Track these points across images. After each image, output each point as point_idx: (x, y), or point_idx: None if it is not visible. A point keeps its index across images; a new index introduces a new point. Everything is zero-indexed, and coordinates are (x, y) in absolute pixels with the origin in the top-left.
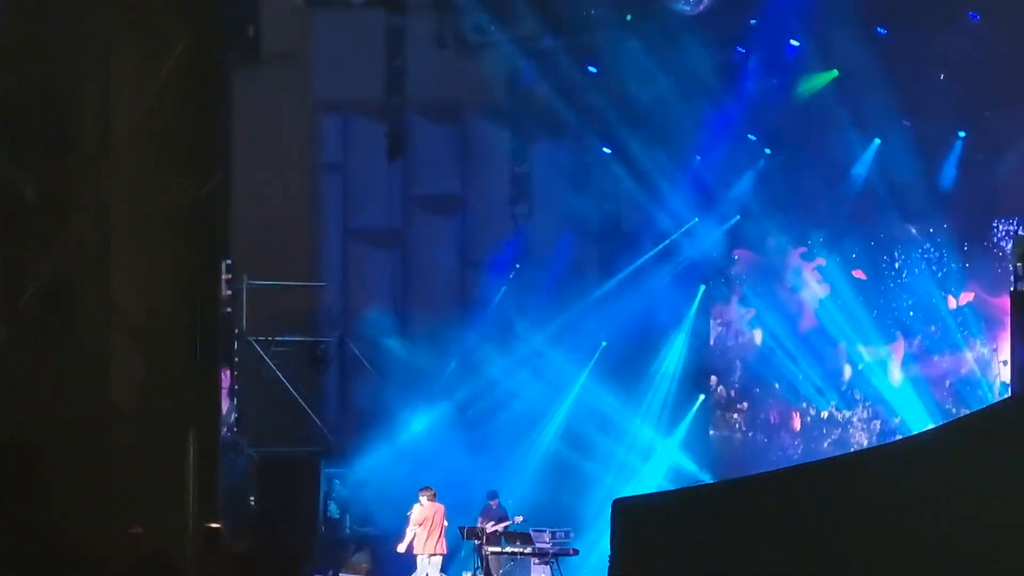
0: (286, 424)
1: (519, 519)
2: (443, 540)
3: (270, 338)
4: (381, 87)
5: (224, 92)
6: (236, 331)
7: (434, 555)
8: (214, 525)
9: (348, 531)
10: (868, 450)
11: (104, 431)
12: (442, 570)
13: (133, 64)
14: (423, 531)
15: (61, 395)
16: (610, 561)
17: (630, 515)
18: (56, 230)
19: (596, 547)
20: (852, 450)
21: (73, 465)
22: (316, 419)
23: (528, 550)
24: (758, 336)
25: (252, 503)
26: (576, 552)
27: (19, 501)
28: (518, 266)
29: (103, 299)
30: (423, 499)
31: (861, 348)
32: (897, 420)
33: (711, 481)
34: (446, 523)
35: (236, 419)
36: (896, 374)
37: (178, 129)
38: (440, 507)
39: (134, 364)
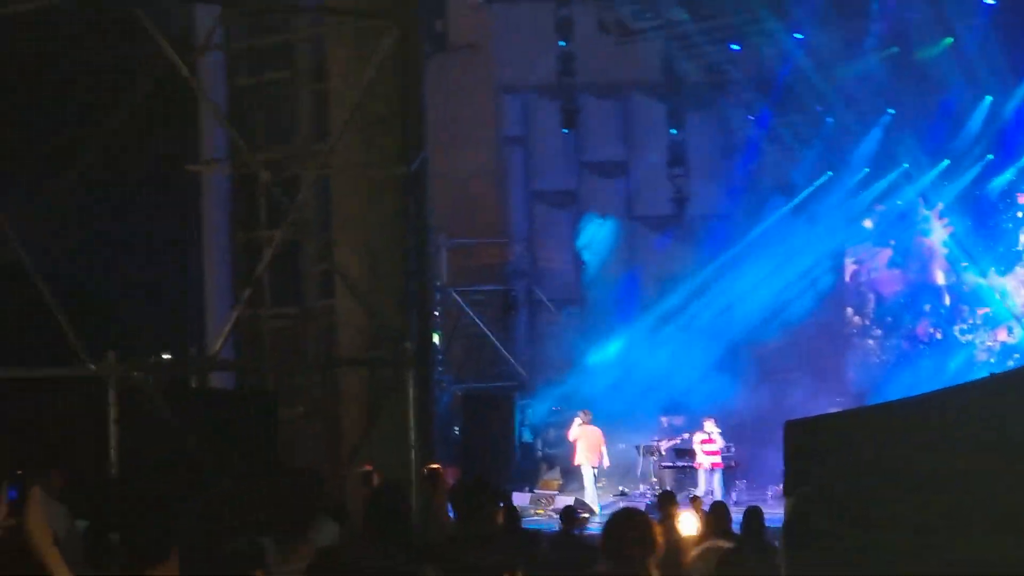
0: (484, 363)
1: (686, 436)
2: (596, 454)
3: (467, 288)
4: (554, 69)
5: (421, 81)
6: (438, 284)
7: (592, 466)
8: (434, 465)
9: (540, 453)
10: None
11: (332, 376)
12: (621, 484)
13: (345, 60)
14: (581, 445)
15: (296, 346)
16: (784, 479)
17: (801, 435)
18: (285, 205)
19: (757, 460)
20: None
21: (309, 407)
22: (510, 357)
23: (696, 464)
24: (891, 273)
25: (457, 433)
26: (738, 464)
27: (261, 442)
28: (678, 220)
29: (327, 262)
30: (578, 420)
31: (984, 279)
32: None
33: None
34: (604, 440)
35: (441, 360)
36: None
37: (385, 114)
38: (595, 428)
39: (356, 316)
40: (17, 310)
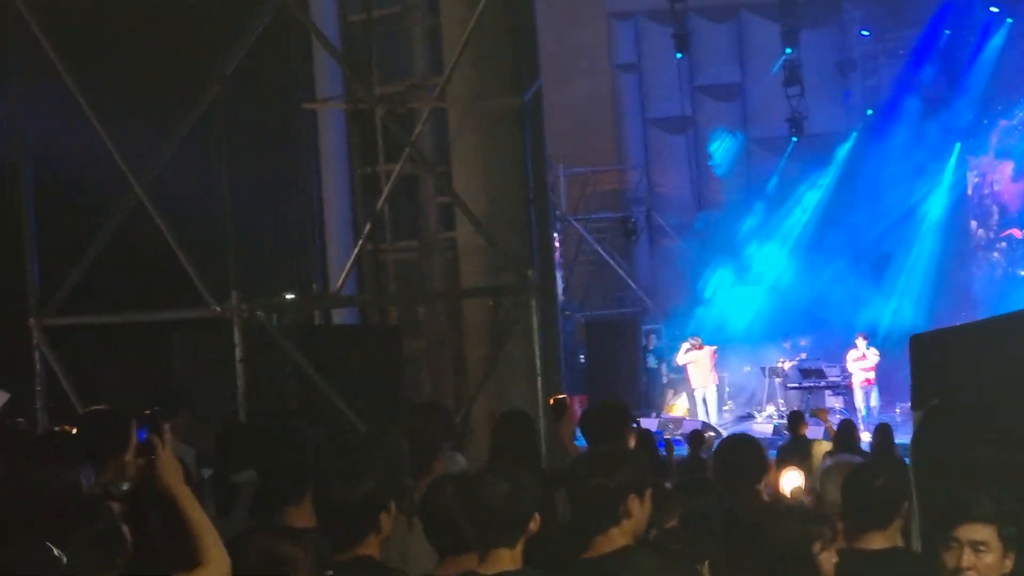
0: (606, 290)
1: (803, 356)
2: (707, 377)
3: (586, 216)
4: None
5: (532, 10)
6: (557, 212)
7: (704, 388)
8: (559, 396)
9: (666, 379)
10: None
11: (458, 306)
12: (748, 407)
13: None
14: (692, 369)
15: (418, 279)
16: (911, 394)
17: (927, 349)
18: (402, 139)
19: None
20: None
21: (433, 340)
22: (632, 283)
23: (822, 383)
24: (1015, 186)
25: (582, 360)
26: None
27: (387, 377)
28: (795, 140)
29: (447, 194)
30: (685, 346)
31: None
32: None
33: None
34: (714, 363)
35: (563, 288)
36: None
37: (498, 44)
38: (705, 351)
39: (477, 247)
40: (142, 253)
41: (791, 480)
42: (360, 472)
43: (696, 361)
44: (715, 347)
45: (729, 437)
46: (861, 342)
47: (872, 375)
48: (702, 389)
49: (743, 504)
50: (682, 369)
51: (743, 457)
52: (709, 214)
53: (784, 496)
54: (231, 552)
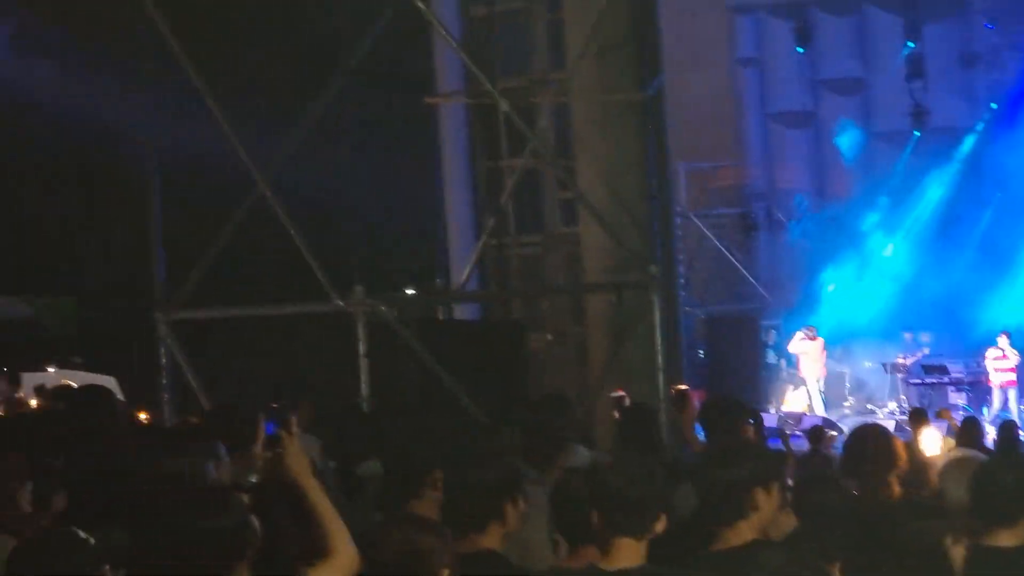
0: (726, 286)
1: (925, 351)
2: (818, 368)
3: (707, 212)
4: None
5: (655, 5)
6: (678, 208)
7: (815, 379)
8: (681, 387)
9: (785, 374)
10: None
11: (581, 300)
12: (869, 402)
13: None
14: (804, 360)
15: (540, 274)
16: None
17: None
18: (525, 134)
19: None
20: None
21: (556, 332)
22: (752, 279)
23: (945, 380)
24: None
25: (702, 356)
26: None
27: (510, 371)
28: (917, 134)
29: (570, 188)
30: (799, 336)
31: None
32: None
33: None
34: (824, 356)
35: (683, 284)
36: None
37: (621, 38)
38: (817, 343)
39: (600, 242)
40: (266, 248)
41: (931, 440)
42: (492, 459)
43: (807, 352)
44: (822, 340)
45: (860, 427)
46: (1003, 341)
47: (1013, 376)
48: (812, 380)
49: (874, 496)
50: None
51: (876, 447)
52: (830, 209)
53: (925, 462)
54: (363, 543)
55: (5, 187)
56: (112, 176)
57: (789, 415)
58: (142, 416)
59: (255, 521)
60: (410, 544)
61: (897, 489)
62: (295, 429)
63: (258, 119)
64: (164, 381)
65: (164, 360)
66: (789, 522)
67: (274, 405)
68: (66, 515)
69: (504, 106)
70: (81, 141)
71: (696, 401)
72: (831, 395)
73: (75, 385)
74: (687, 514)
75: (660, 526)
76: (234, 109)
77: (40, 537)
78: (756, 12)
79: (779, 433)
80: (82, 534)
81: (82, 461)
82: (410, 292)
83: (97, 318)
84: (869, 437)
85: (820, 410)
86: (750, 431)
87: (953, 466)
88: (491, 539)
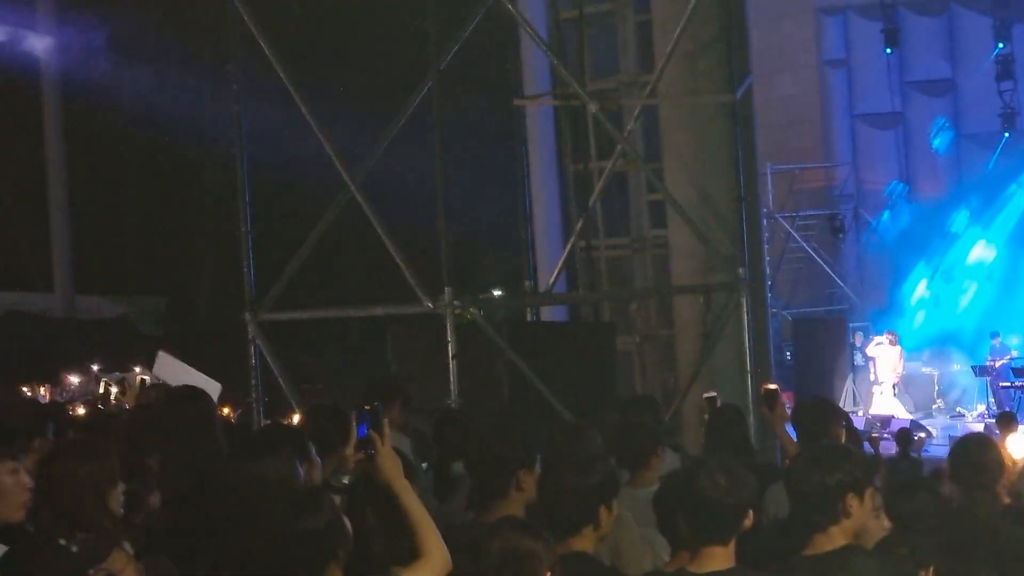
0: (813, 288)
1: (1014, 354)
2: (893, 373)
3: (793, 214)
4: None
5: (743, 6)
6: (765, 210)
7: (891, 384)
8: (771, 386)
9: (873, 376)
10: None
11: (668, 303)
12: (958, 406)
13: None
14: (880, 363)
15: (629, 273)
16: None
17: None
18: (614, 136)
19: None
20: None
21: (644, 334)
22: (839, 281)
23: None
24: None
25: (789, 358)
26: None
27: (599, 373)
28: (1007, 135)
29: (658, 191)
30: (876, 340)
31: None
32: None
33: None
34: (901, 360)
35: (770, 286)
36: None
37: (710, 40)
38: (895, 348)
39: (688, 244)
40: (356, 249)
41: (1019, 444)
42: (592, 462)
43: (884, 356)
44: (900, 348)
45: (967, 437)
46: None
47: None
48: (888, 384)
49: (983, 506)
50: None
51: (982, 458)
52: (920, 210)
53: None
54: (455, 544)
55: (97, 189)
56: (203, 177)
57: (877, 417)
58: (225, 411)
59: (346, 522)
60: (513, 548)
61: (1005, 499)
62: (387, 430)
63: (348, 121)
64: (254, 382)
65: (254, 361)
66: (882, 527)
67: (367, 406)
68: (160, 516)
69: (593, 108)
70: (172, 143)
71: (785, 402)
72: (920, 398)
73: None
74: (778, 515)
75: (747, 522)
76: (325, 111)
77: (26, 546)
78: (844, 13)
79: (868, 436)
80: (63, 542)
81: (177, 461)
82: (498, 294)
83: (186, 318)
84: (976, 447)
85: (900, 413)
86: (843, 434)
87: None
88: (584, 542)
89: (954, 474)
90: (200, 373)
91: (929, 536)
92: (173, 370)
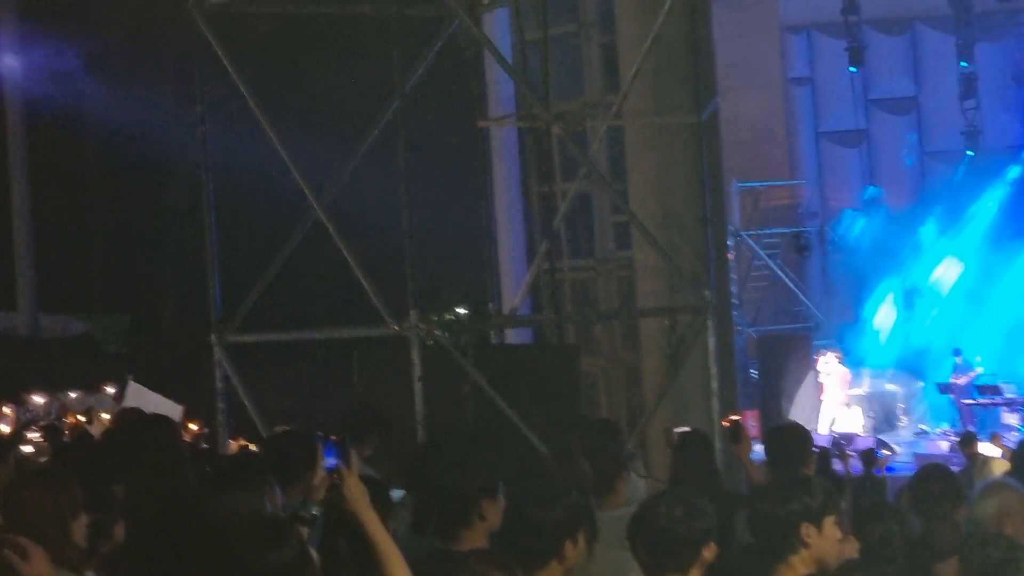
0: (778, 305)
1: (979, 371)
2: (838, 392)
3: (759, 231)
4: (838, 7)
5: (709, 27)
6: (730, 228)
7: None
8: (734, 417)
9: (821, 393)
10: None
11: (633, 324)
12: (922, 423)
13: (632, 9)
14: (827, 381)
15: (594, 295)
16: None
17: None
18: (578, 157)
19: None
20: None
21: (609, 356)
22: (805, 299)
23: (999, 400)
24: None
25: (754, 375)
26: None
27: (564, 395)
28: (970, 153)
29: (623, 212)
30: (823, 359)
31: None
32: None
33: None
34: (848, 380)
35: (735, 304)
36: None
37: (674, 61)
38: (841, 368)
39: (654, 265)
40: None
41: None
42: (556, 496)
43: (830, 374)
44: (847, 370)
45: (925, 468)
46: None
47: None
48: (832, 403)
49: (940, 536)
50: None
51: (941, 489)
52: (884, 227)
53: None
54: (420, 574)
55: (61, 206)
56: (167, 196)
57: (842, 435)
58: (192, 426)
59: (313, 554)
60: None
61: (962, 530)
62: (354, 461)
63: (314, 141)
64: (220, 404)
65: (219, 383)
66: (852, 548)
67: (334, 437)
68: (125, 546)
69: (557, 130)
70: (138, 161)
71: (749, 422)
72: (885, 414)
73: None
74: (747, 541)
75: (709, 555)
76: (290, 131)
77: None
78: (808, 31)
79: (839, 452)
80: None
81: (142, 490)
82: (462, 311)
83: (150, 338)
84: (934, 479)
85: (858, 429)
86: (812, 460)
87: (987, 490)
88: (551, 575)
89: (915, 505)
90: (166, 399)
91: (893, 563)
92: (142, 400)
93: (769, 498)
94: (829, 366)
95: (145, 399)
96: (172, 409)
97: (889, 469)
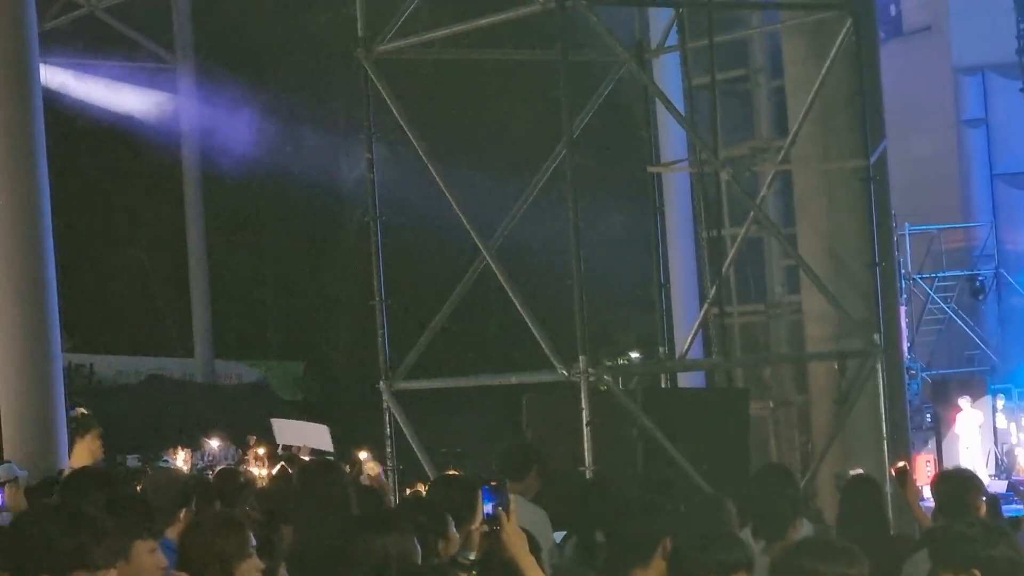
0: (953, 349)
1: None
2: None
3: (933, 274)
4: (1013, 47)
5: (877, 69)
6: (903, 271)
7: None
8: (901, 464)
9: (1014, 439)
10: None
11: (804, 368)
12: None
13: (801, 54)
14: (961, 423)
15: (763, 339)
16: None
17: None
18: (747, 202)
19: None
20: None
21: (779, 401)
22: (980, 342)
23: None
24: None
25: (928, 420)
26: None
27: (733, 440)
28: None
29: (791, 256)
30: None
31: None
32: None
33: None
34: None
35: (909, 347)
36: None
37: (843, 105)
38: (975, 411)
39: (822, 309)
40: (490, 314)
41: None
42: (723, 537)
43: (965, 417)
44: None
45: None
46: None
47: None
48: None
49: None
50: None
51: None
52: None
53: None
54: None
55: (236, 254)
56: (339, 244)
57: (1020, 481)
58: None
59: None
60: None
61: None
62: (513, 506)
63: (483, 187)
64: (389, 450)
65: (389, 429)
66: None
67: (492, 482)
68: None
69: (726, 175)
70: (308, 209)
71: (925, 465)
72: None
73: (300, 452)
74: None
75: None
76: (458, 177)
77: None
78: (982, 72)
79: (1016, 497)
80: None
81: (310, 532)
82: (634, 355)
83: (323, 383)
84: None
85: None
86: (982, 506)
87: None
88: None
89: None
90: (309, 423)
91: None
92: (291, 431)
93: (949, 543)
94: (965, 412)
95: (293, 429)
96: (320, 431)
97: None
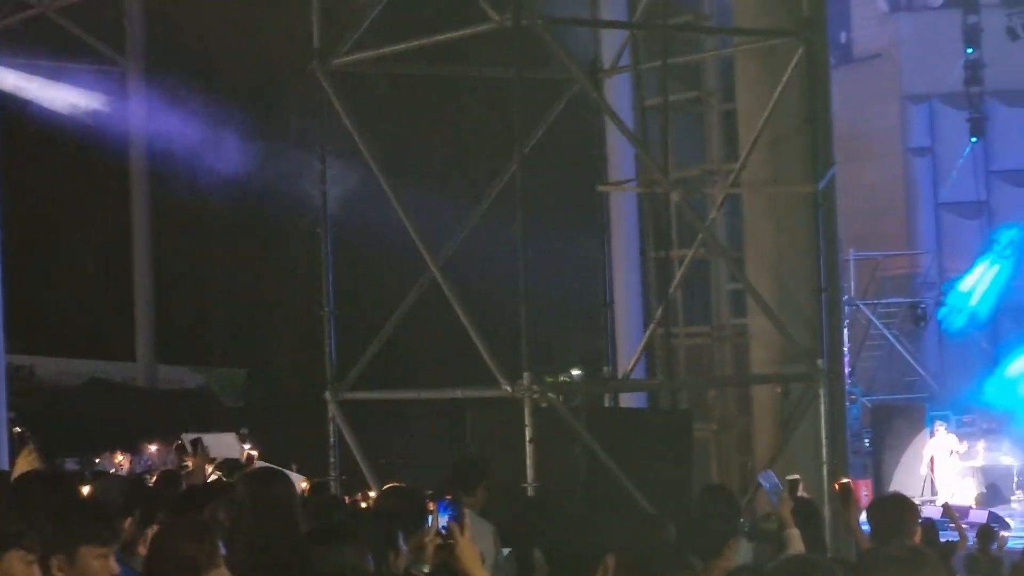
0: (893, 375)
1: None
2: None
3: (875, 300)
4: (961, 78)
5: (828, 96)
6: (846, 297)
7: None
8: (844, 480)
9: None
10: None
11: (747, 391)
12: None
13: (752, 78)
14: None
15: (708, 361)
16: None
17: None
18: (696, 224)
19: None
20: None
21: (722, 422)
22: (920, 369)
23: None
24: None
25: (867, 444)
26: None
27: (676, 460)
28: None
29: (738, 280)
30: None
31: None
32: None
33: None
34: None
35: (850, 372)
36: None
37: (793, 131)
38: (938, 439)
39: (767, 333)
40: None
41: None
42: (666, 555)
43: (928, 445)
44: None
45: None
46: None
47: None
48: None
49: None
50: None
51: None
52: (999, 301)
53: None
54: None
55: (181, 258)
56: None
57: (955, 508)
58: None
59: None
60: None
61: None
62: (467, 521)
63: (432, 202)
64: (332, 460)
65: (333, 439)
66: None
67: (447, 495)
68: None
69: (675, 196)
70: (258, 218)
71: (861, 491)
72: (999, 489)
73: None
74: None
75: None
76: (408, 191)
77: None
78: (930, 101)
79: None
80: None
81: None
82: (576, 372)
83: (266, 390)
84: None
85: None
86: (918, 532)
87: None
88: None
89: None
90: (224, 433)
91: None
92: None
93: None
94: (938, 436)
95: (215, 440)
96: (230, 441)
97: (1010, 544)
